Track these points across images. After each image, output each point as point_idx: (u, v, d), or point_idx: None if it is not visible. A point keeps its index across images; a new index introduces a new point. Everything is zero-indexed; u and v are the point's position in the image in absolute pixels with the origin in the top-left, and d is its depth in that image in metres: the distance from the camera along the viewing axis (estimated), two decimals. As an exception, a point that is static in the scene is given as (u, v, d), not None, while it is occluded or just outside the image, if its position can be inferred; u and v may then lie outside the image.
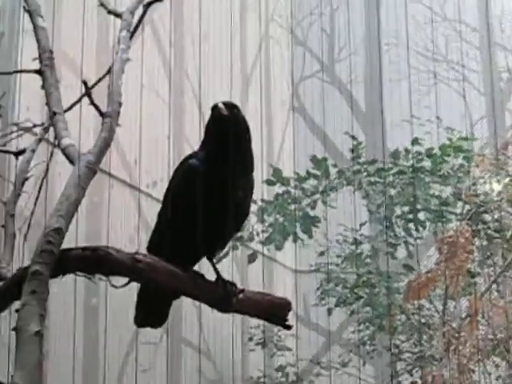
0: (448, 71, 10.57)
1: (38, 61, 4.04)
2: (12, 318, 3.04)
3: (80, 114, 4.11)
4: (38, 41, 4.11)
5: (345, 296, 9.53)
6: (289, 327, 3.50)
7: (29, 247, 3.61)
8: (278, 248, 9.20)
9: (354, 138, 9.52)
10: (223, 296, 3.34)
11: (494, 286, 8.83)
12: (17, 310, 2.97)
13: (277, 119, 10.82)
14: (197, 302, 3.73)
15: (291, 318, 7.52)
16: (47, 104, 3.88)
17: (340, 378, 9.74)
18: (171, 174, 3.65)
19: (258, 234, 9.13)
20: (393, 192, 9.13)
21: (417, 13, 10.31)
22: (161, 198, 3.65)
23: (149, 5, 4.31)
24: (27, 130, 4.64)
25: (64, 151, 3.59)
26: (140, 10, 4.31)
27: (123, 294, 6.74)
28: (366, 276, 9.42)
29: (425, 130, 9.17)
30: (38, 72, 4.00)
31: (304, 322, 9.55)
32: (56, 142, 3.85)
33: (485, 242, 8.88)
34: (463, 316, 8.75)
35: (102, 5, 4.51)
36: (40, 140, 4.31)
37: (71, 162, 3.52)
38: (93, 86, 3.96)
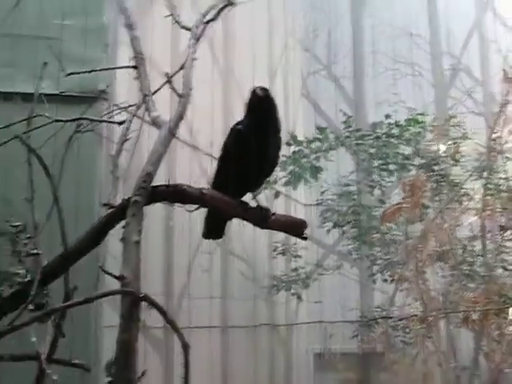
0: (408, 70, 10.47)
1: (133, 60, 4.02)
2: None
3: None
4: (133, 46, 4.09)
5: (338, 221, 9.52)
6: (305, 238, 3.49)
7: (128, 187, 3.58)
8: (294, 188, 9.22)
9: (345, 114, 9.51)
10: (261, 217, 3.34)
11: (440, 214, 8.78)
12: (123, 227, 2.96)
13: (292, 101, 10.75)
14: (241, 223, 3.72)
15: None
16: (140, 89, 3.87)
17: (335, 277, 9.73)
18: (220, 137, 3.65)
19: (280, 179, 9.12)
20: (372, 150, 9.10)
21: (387, 29, 10.24)
22: (216, 155, 3.63)
23: (207, 22, 4.29)
24: (125, 108, 4.59)
25: (153, 120, 3.59)
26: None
27: (190, 218, 6.75)
28: (353, 207, 9.40)
29: (393, 109, 9.16)
30: (134, 67, 3.98)
31: (311, 238, 9.50)
32: (146, 115, 3.84)
33: (434, 185, 8.85)
34: (419, 234, 8.72)
35: (176, 22, 4.49)
36: (134, 115, 4.27)
37: (157, 127, 3.51)
38: (172, 76, 3.93)
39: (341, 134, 9.29)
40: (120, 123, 4.23)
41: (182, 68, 3.99)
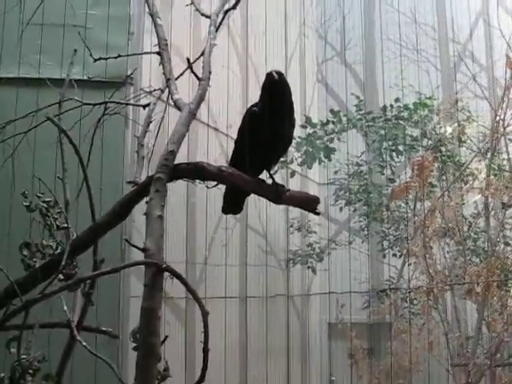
0: (417, 56, 10.42)
1: (156, 46, 4.01)
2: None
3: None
4: (157, 33, 4.07)
5: (350, 199, 9.54)
6: (318, 213, 3.48)
7: (153, 165, 3.59)
8: (309, 167, 9.23)
9: (357, 97, 9.50)
10: (277, 193, 3.33)
11: (446, 193, 8.77)
12: (147, 202, 2.97)
13: (307, 86, 10.74)
14: (257, 201, 3.74)
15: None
16: (163, 73, 3.87)
17: (347, 251, 9.75)
18: (238, 119, 3.65)
19: (296, 159, 9.13)
20: (382, 132, 9.09)
21: (396, 17, 10.16)
22: (234, 136, 3.64)
23: (227, 11, 4.27)
24: (149, 92, 4.59)
25: (175, 102, 3.58)
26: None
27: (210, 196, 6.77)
28: (364, 186, 9.42)
29: (403, 93, 9.10)
30: (158, 53, 3.98)
31: (324, 215, 9.53)
32: (169, 99, 3.84)
33: (441, 165, 8.83)
34: (426, 212, 8.71)
35: (197, 10, 4.46)
36: (158, 98, 4.27)
37: (179, 109, 3.51)
38: (193, 62, 3.92)
39: (353, 117, 9.29)
40: (145, 106, 4.22)
41: (202, 54, 3.98)
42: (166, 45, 4.00)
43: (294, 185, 9.09)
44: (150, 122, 4.11)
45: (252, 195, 3.57)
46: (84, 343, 3.14)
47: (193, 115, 3.44)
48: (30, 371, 3.20)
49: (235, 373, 8.19)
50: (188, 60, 3.91)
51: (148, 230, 2.84)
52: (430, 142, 8.94)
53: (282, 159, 7.50)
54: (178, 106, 3.54)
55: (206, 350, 2.68)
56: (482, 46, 10.32)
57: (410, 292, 8.86)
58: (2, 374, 3.25)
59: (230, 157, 3.61)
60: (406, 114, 9.06)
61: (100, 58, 4.26)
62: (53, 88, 4.18)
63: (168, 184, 3.09)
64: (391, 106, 9.13)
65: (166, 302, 2.90)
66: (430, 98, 9.14)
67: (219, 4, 4.26)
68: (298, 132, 8.63)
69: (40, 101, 4.10)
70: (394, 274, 9.42)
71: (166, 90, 3.92)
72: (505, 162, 8.71)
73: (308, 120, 9.18)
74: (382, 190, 9.32)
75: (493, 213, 8.71)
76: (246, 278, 8.63)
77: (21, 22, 5.45)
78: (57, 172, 3.62)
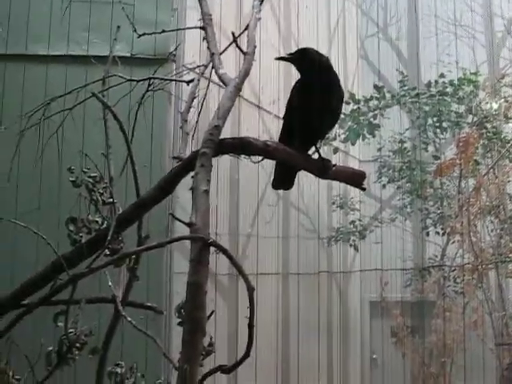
0: (462, 32, 10.28)
1: (200, 21, 3.97)
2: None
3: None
4: (201, 8, 4.03)
5: (394, 176, 9.47)
6: (364, 189, 3.43)
7: (197, 141, 3.58)
8: (353, 144, 9.17)
9: (401, 73, 9.40)
10: (323, 168, 3.30)
11: (491, 170, 8.66)
12: (192, 177, 2.95)
13: (350, 62, 10.66)
14: (300, 179, 3.70)
15: (358, 192, 7.40)
16: (208, 48, 3.83)
17: (390, 229, 9.71)
18: (281, 96, 3.62)
19: (339, 136, 9.07)
20: (426, 108, 8.98)
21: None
22: (276, 113, 3.61)
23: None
24: (193, 68, 4.56)
25: (220, 77, 3.54)
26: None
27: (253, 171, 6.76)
28: (408, 163, 9.34)
29: (447, 69, 8.99)
30: (202, 28, 3.94)
31: (367, 193, 9.48)
32: (212, 75, 3.81)
33: (486, 141, 8.72)
34: (471, 189, 8.62)
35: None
36: (202, 74, 4.24)
37: (224, 84, 3.47)
38: (238, 36, 3.87)
39: (397, 93, 9.18)
40: (188, 82, 4.19)
41: (246, 28, 3.94)
42: (211, 19, 3.96)
43: (337, 162, 9.05)
44: (194, 97, 4.08)
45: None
46: (129, 318, 3.15)
47: (238, 90, 3.40)
48: (77, 345, 3.23)
49: (277, 349, 8.20)
50: (233, 34, 3.86)
51: (194, 204, 2.82)
52: (475, 118, 8.82)
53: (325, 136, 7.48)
54: (223, 81, 3.51)
55: (251, 326, 2.66)
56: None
57: (453, 270, 8.79)
58: (50, 348, 3.28)
59: (273, 134, 3.59)
60: (450, 89, 8.93)
61: (144, 34, 4.23)
62: (100, 66, 4.18)
63: (213, 160, 3.06)
64: (436, 81, 9.01)
65: (211, 279, 2.90)
66: (475, 74, 8.99)
67: (263, -22, 4.20)
68: (341, 108, 8.59)
69: (88, 78, 4.09)
70: (437, 252, 9.34)
71: (209, 67, 3.89)
72: (552, 138, 8.59)
73: (351, 96, 9.09)
74: (425, 167, 9.23)
75: (539, 190, 8.62)
76: (289, 254, 8.62)
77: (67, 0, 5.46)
78: (103, 148, 3.63)
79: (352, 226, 9.85)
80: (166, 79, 4.49)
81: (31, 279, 3.22)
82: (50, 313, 3.27)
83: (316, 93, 3.27)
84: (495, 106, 8.76)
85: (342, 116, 8.88)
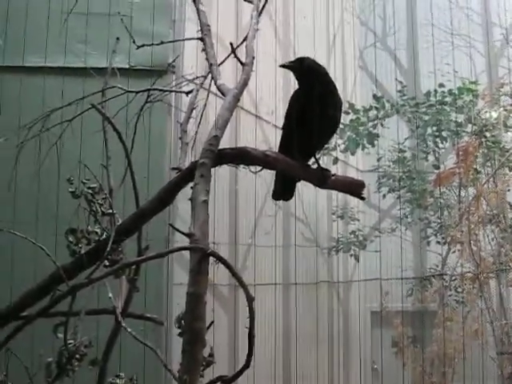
0: (460, 41, 10.31)
1: (199, 33, 3.98)
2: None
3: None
4: (199, 19, 4.04)
5: (394, 186, 9.47)
6: (363, 199, 3.43)
7: (196, 152, 3.58)
8: (352, 154, 9.17)
9: (400, 82, 9.43)
10: (322, 178, 3.30)
11: (491, 179, 8.66)
12: (191, 187, 2.95)
13: (349, 72, 10.67)
14: (300, 189, 3.70)
15: (358, 202, 7.39)
16: (206, 59, 3.84)
17: (390, 239, 9.70)
18: (279, 105, 3.63)
19: (338, 146, 9.07)
20: (426, 118, 8.99)
21: (440, 2, 10.06)
22: (276, 123, 3.62)
23: (269, -4, 4.23)
24: (192, 79, 4.57)
25: (218, 88, 3.55)
26: None
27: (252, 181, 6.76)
28: (408, 173, 9.34)
29: (446, 78, 9.01)
30: (200, 39, 3.95)
31: (367, 202, 9.48)
32: (211, 86, 3.82)
33: (485, 150, 8.72)
34: (471, 198, 8.62)
35: (239, -5, 4.43)
36: (201, 85, 4.25)
37: (223, 94, 3.48)
38: (237, 47, 3.88)
39: (396, 103, 9.19)
40: (188, 93, 4.20)
41: (245, 39, 3.95)
42: (209, 30, 3.97)
43: (336, 172, 9.06)
44: (193, 108, 4.09)
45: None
46: (129, 329, 3.15)
47: (237, 100, 3.41)
48: (77, 356, 3.22)
49: (278, 359, 8.18)
50: (231, 45, 3.87)
51: (193, 215, 2.82)
52: (474, 127, 8.82)
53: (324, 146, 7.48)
54: (221, 91, 3.51)
55: (251, 336, 2.66)
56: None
57: (454, 279, 8.78)
58: (50, 359, 3.27)
59: (271, 144, 3.59)
60: (450, 99, 8.94)
61: (143, 45, 4.24)
62: (98, 77, 4.19)
63: (212, 170, 3.07)
64: (435, 91, 9.03)
65: (210, 290, 2.90)
66: (474, 83, 9.01)
67: (262, -11, 4.21)
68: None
69: (86, 90, 4.10)
70: (437, 261, 9.33)
71: (209, 78, 3.90)
72: (551, 148, 8.59)
73: (350, 106, 9.11)
74: (425, 177, 9.24)
75: (539, 199, 8.60)
76: (289, 264, 8.61)
77: (65, 11, 5.48)
78: (102, 159, 3.63)
79: (352, 236, 9.84)
80: (166, 90, 4.51)
81: (31, 290, 3.22)
82: (50, 324, 3.26)
83: (313, 101, 3.27)
84: (494, 114, 8.77)
85: (341, 126, 8.93)
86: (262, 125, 8.06)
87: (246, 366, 2.69)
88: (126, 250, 3.37)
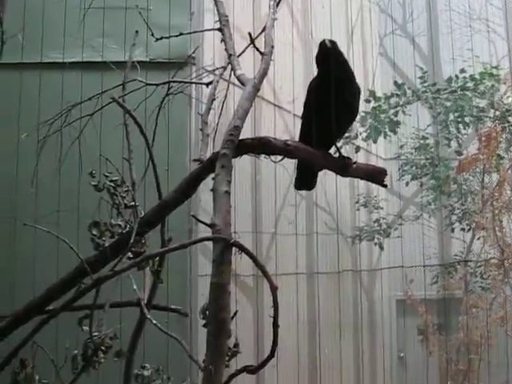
0: (481, 26, 10.24)
1: (217, 23, 3.98)
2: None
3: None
4: (217, 10, 4.04)
5: (416, 173, 9.42)
6: (385, 186, 3.41)
7: (217, 143, 3.58)
8: (375, 142, 9.11)
9: (421, 68, 9.35)
10: (343, 166, 3.28)
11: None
12: (213, 178, 2.96)
13: (370, 60, 10.62)
14: (323, 178, 3.69)
15: (381, 190, 7.34)
16: (225, 50, 3.83)
17: (414, 227, 9.67)
18: (300, 94, 3.61)
19: (360, 134, 9.02)
20: (448, 104, 8.90)
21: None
22: (296, 112, 3.60)
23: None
24: (212, 71, 4.56)
25: (238, 78, 3.55)
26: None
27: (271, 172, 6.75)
28: (430, 160, 9.28)
29: (467, 64, 8.93)
30: (219, 29, 3.95)
31: (390, 190, 9.45)
32: (231, 76, 3.81)
33: (508, 136, 8.66)
34: (494, 184, 8.57)
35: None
36: (220, 75, 4.24)
37: (243, 84, 3.47)
38: (256, 38, 3.87)
39: (417, 89, 9.12)
40: (208, 84, 4.19)
41: (263, 29, 3.93)
42: (227, 21, 3.96)
43: (359, 161, 9.02)
44: (213, 99, 4.09)
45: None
46: (154, 321, 3.16)
47: (256, 90, 3.40)
48: (103, 348, 3.24)
49: (303, 349, 8.19)
50: (250, 35, 3.86)
51: (215, 205, 2.82)
52: (497, 112, 8.74)
53: (346, 134, 7.44)
54: (241, 82, 3.51)
55: (275, 326, 2.66)
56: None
57: (479, 266, 8.73)
58: (76, 351, 3.29)
59: (292, 133, 3.58)
60: (471, 84, 8.85)
61: (162, 38, 4.24)
62: (116, 71, 4.20)
63: (233, 160, 3.07)
64: (456, 76, 8.95)
65: (234, 280, 2.90)
66: (496, 68, 8.92)
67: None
68: (361, 106, 8.56)
69: (104, 84, 4.11)
70: (462, 248, 9.29)
71: (228, 69, 3.89)
72: None
73: (371, 94, 9.04)
74: (449, 163, 9.17)
75: None
76: (313, 253, 8.60)
77: (83, 6, 5.49)
78: (123, 153, 3.64)
79: (376, 224, 9.81)
80: (186, 82, 4.50)
81: (56, 284, 3.24)
82: (74, 317, 3.29)
83: (330, 86, 3.24)
84: (516, 99, 8.72)
85: (362, 114, 8.89)
86: (282, 114, 8.04)
87: (271, 355, 2.69)
88: (149, 242, 3.38)
